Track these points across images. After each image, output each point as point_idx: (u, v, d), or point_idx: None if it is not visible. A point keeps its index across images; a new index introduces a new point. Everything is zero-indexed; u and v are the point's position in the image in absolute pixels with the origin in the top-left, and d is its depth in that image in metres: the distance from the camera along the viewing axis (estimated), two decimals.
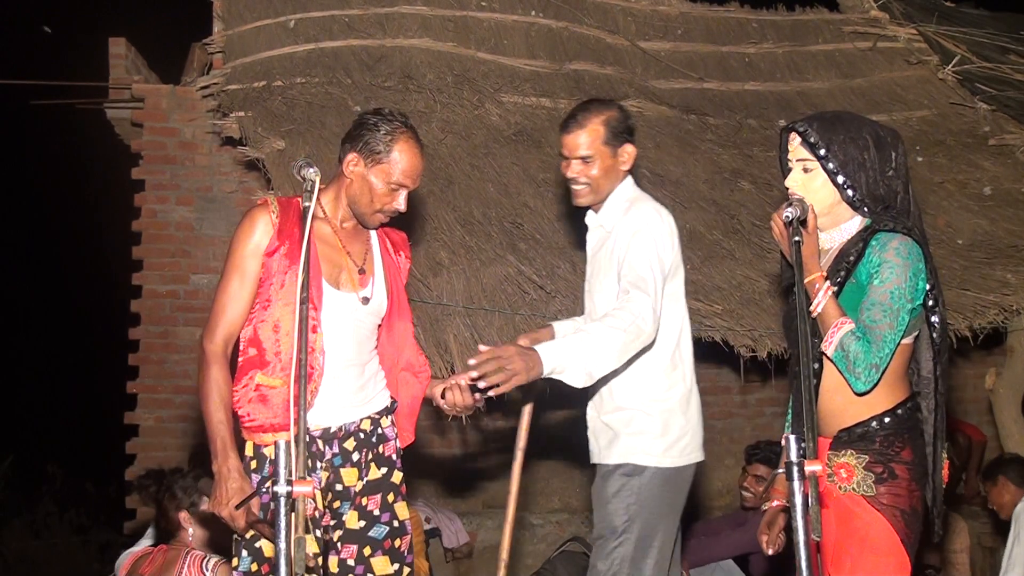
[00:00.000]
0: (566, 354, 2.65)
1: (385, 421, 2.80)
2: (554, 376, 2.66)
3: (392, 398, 2.85)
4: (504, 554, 3.33)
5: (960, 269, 4.79)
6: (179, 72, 6.00)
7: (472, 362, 2.63)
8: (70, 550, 9.05)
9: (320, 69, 5.47)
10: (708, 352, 4.80)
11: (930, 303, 2.55)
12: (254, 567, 2.59)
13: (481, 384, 2.65)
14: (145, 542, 4.31)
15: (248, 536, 2.58)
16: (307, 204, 2.37)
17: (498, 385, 2.59)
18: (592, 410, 3.12)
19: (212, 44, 5.57)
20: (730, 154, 5.63)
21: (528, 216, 4.82)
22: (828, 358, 2.52)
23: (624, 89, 5.89)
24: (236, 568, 2.61)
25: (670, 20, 6.46)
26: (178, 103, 5.70)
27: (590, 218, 3.16)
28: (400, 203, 2.70)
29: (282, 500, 1.97)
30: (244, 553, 2.60)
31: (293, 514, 1.98)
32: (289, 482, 1.98)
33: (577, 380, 2.68)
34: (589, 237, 3.18)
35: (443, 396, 2.85)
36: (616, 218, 3.02)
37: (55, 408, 11.68)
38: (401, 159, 2.66)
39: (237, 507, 2.46)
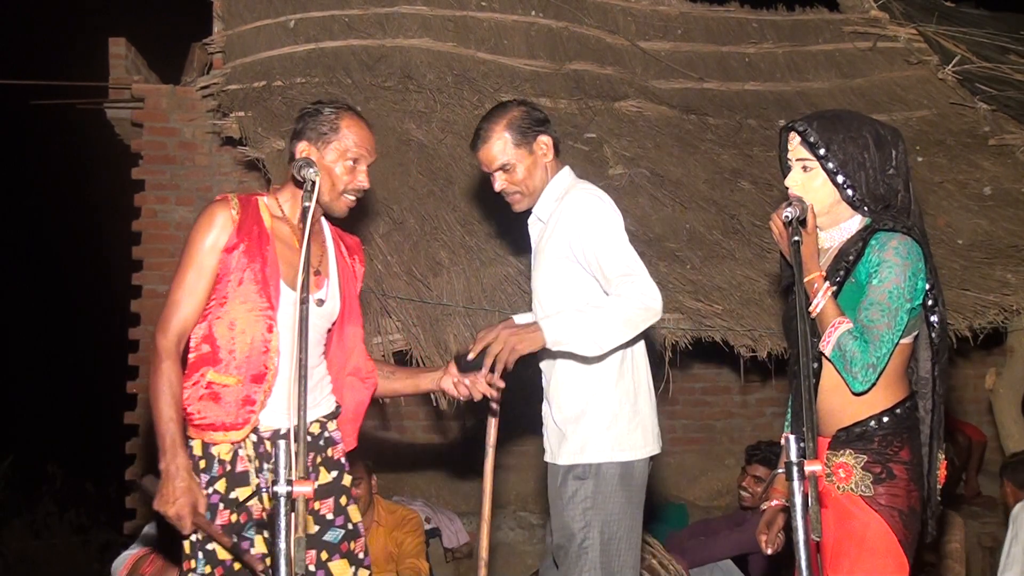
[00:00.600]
0: (568, 325, 2.68)
1: (332, 425, 2.78)
2: (561, 348, 2.69)
3: (337, 403, 2.83)
4: (483, 552, 3.32)
5: (960, 269, 4.79)
6: (179, 72, 6.00)
7: (471, 355, 2.71)
8: (70, 550, 9.05)
9: (320, 69, 5.47)
10: (708, 352, 4.81)
11: (929, 303, 2.54)
12: (208, 569, 2.56)
13: (485, 369, 2.67)
14: (138, 544, 4.31)
15: (201, 538, 2.56)
16: (307, 204, 2.37)
17: (505, 366, 2.65)
18: (545, 407, 3.10)
19: (212, 44, 5.57)
20: (730, 154, 5.63)
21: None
22: (826, 358, 2.52)
23: (624, 89, 5.90)
24: (192, 570, 2.57)
25: (670, 20, 6.46)
26: (178, 103, 5.70)
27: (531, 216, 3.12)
28: (362, 179, 2.69)
29: (282, 500, 1.97)
30: (200, 555, 2.57)
31: (293, 514, 1.98)
32: (289, 482, 1.98)
33: (586, 349, 2.69)
34: (531, 234, 3.12)
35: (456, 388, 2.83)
36: (550, 207, 2.98)
37: (55, 408, 11.68)
38: (350, 132, 2.66)
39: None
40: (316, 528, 2.68)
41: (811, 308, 2.50)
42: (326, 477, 2.72)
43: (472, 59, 5.81)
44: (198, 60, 5.90)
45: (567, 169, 3.06)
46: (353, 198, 2.72)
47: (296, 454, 2.04)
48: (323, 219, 2.81)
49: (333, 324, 2.81)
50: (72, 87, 5.96)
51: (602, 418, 2.90)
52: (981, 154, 5.84)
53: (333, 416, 2.80)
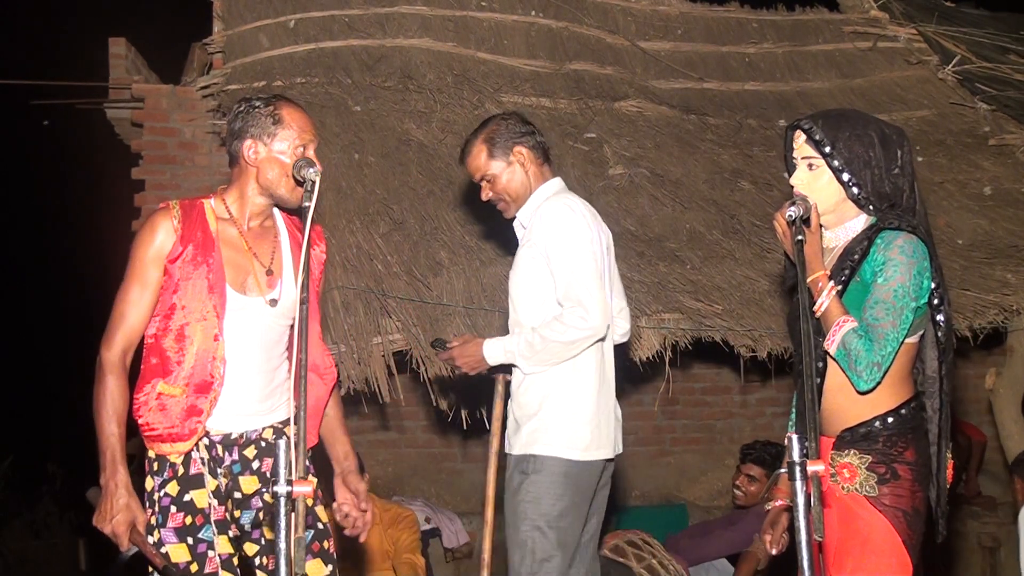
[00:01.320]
0: (503, 351, 3.08)
1: (289, 430, 2.70)
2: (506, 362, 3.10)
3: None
4: (485, 554, 3.35)
5: (960, 269, 4.79)
6: (179, 72, 6.00)
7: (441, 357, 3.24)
8: (70, 550, 9.04)
9: (320, 69, 5.47)
10: (708, 352, 4.81)
11: (935, 302, 2.53)
12: None
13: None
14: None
15: (154, 542, 2.54)
16: (307, 204, 2.34)
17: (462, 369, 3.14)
18: (510, 403, 3.21)
19: (212, 44, 5.57)
20: (730, 154, 5.63)
21: None
22: (831, 357, 2.51)
23: (624, 89, 5.89)
24: (151, 574, 2.56)
25: (670, 20, 6.45)
26: (178, 103, 5.69)
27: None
28: (318, 164, 2.61)
29: (282, 500, 1.96)
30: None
31: (293, 514, 1.98)
32: (289, 482, 1.98)
33: (524, 369, 3.07)
34: (517, 237, 3.28)
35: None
36: (530, 215, 3.17)
37: (55, 408, 11.67)
38: (292, 119, 2.63)
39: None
40: None
41: (815, 307, 2.50)
42: None
43: (472, 59, 5.80)
44: (198, 60, 5.90)
45: (557, 180, 3.22)
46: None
47: (296, 453, 2.03)
48: (276, 212, 2.75)
49: (293, 321, 2.73)
50: (72, 87, 5.96)
51: (554, 415, 3.02)
52: (981, 154, 5.84)
53: (288, 423, 2.73)
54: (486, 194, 3.23)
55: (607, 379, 3.14)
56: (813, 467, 2.00)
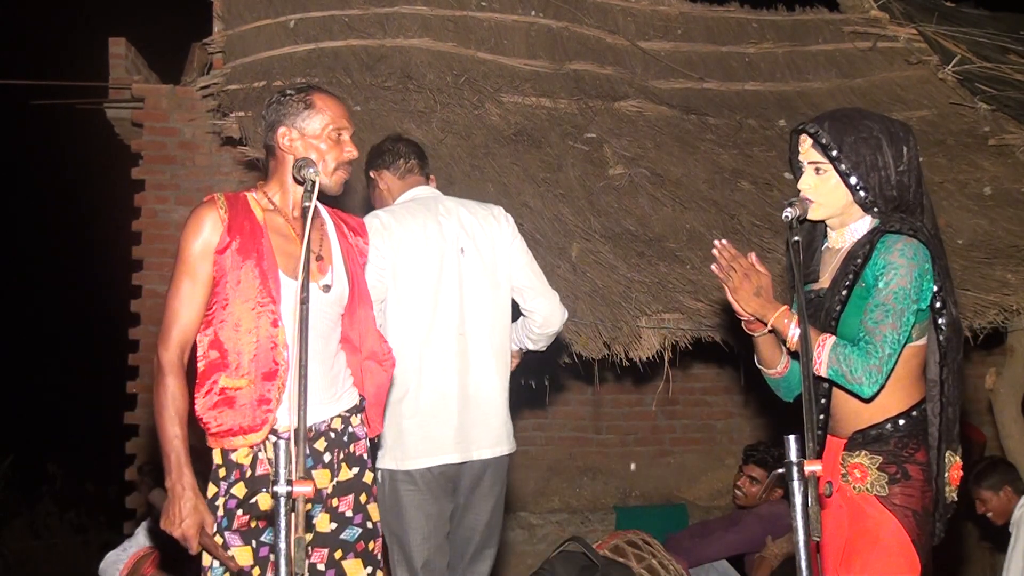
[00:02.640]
0: None
1: (355, 419, 2.71)
2: None
3: (360, 395, 2.76)
4: None
5: (960, 269, 4.78)
6: (179, 72, 6.01)
7: None
8: (70, 550, 9.05)
9: (320, 69, 5.46)
10: (708, 352, 4.81)
11: (937, 305, 2.51)
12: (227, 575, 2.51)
13: None
14: (133, 545, 4.29)
15: (219, 544, 2.51)
16: (307, 204, 2.32)
17: None
18: None
19: (212, 44, 5.57)
20: (730, 154, 5.63)
21: (528, 216, 4.82)
22: (826, 380, 2.49)
23: (624, 89, 5.89)
24: None
25: (670, 20, 6.45)
26: (178, 103, 5.70)
27: None
28: (351, 149, 2.64)
29: (282, 500, 1.96)
30: (215, 564, 2.51)
31: (293, 514, 1.98)
32: (289, 482, 1.97)
33: None
34: None
35: None
36: None
37: (55, 408, 11.68)
38: (325, 105, 2.63)
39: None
40: (333, 526, 2.62)
41: (787, 342, 2.51)
42: (347, 474, 2.65)
43: (472, 59, 5.80)
44: (198, 60, 5.90)
45: (411, 191, 3.47)
46: (345, 172, 2.66)
47: (296, 454, 2.03)
48: (316, 201, 2.73)
49: (345, 309, 2.72)
50: (72, 87, 5.96)
51: (387, 427, 3.12)
52: (981, 154, 5.84)
53: (357, 410, 2.73)
54: None
55: (422, 379, 3.23)
56: (811, 467, 2.00)
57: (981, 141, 5.94)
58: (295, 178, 2.56)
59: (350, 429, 2.69)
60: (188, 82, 5.79)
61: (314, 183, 2.39)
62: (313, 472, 2.58)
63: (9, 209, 12.50)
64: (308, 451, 2.58)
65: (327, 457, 2.62)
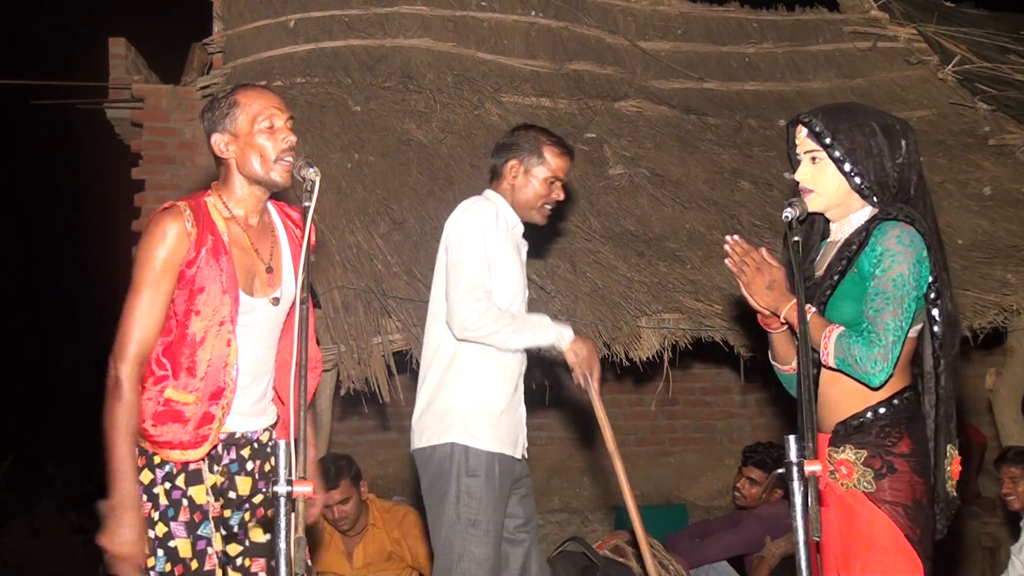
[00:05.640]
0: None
1: (273, 434, 2.69)
2: None
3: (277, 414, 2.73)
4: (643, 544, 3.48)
5: (960, 269, 4.79)
6: (179, 72, 6.00)
7: None
8: (70, 550, 9.05)
9: (320, 69, 5.47)
10: (708, 352, 4.81)
11: (932, 295, 2.50)
12: (168, 567, 2.48)
13: None
14: None
15: (160, 535, 2.48)
16: (307, 204, 2.32)
17: None
18: None
19: (212, 44, 5.58)
20: (730, 154, 5.63)
21: None
22: (834, 369, 2.49)
23: (624, 89, 5.90)
24: (152, 568, 2.47)
25: (670, 20, 6.46)
26: (178, 103, 5.69)
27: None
28: (286, 135, 2.56)
29: (282, 500, 1.96)
30: (159, 552, 2.48)
31: (293, 514, 1.98)
32: (289, 482, 1.98)
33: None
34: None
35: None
36: None
37: (55, 408, 11.68)
38: (249, 99, 2.57)
39: None
40: (268, 536, 2.60)
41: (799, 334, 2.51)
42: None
43: (472, 59, 5.81)
44: (198, 60, 5.90)
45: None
46: (288, 160, 2.54)
47: (295, 452, 2.03)
48: (270, 206, 2.68)
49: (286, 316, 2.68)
50: (72, 87, 5.96)
51: None
52: (981, 154, 5.84)
53: (274, 426, 2.70)
54: (561, 194, 3.45)
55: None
56: (811, 467, 2.00)
57: (981, 141, 5.95)
58: (296, 178, 2.56)
59: (272, 443, 2.67)
60: (188, 82, 5.79)
61: (314, 183, 2.38)
62: (236, 478, 2.58)
63: (8, 209, 12.50)
64: (235, 456, 2.59)
65: (249, 466, 2.61)
